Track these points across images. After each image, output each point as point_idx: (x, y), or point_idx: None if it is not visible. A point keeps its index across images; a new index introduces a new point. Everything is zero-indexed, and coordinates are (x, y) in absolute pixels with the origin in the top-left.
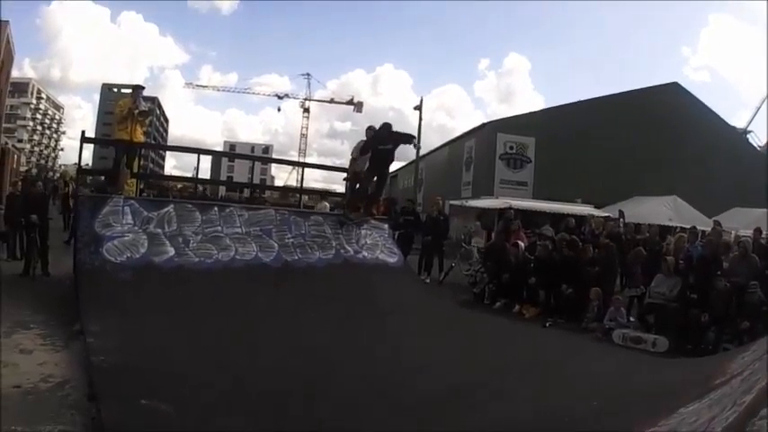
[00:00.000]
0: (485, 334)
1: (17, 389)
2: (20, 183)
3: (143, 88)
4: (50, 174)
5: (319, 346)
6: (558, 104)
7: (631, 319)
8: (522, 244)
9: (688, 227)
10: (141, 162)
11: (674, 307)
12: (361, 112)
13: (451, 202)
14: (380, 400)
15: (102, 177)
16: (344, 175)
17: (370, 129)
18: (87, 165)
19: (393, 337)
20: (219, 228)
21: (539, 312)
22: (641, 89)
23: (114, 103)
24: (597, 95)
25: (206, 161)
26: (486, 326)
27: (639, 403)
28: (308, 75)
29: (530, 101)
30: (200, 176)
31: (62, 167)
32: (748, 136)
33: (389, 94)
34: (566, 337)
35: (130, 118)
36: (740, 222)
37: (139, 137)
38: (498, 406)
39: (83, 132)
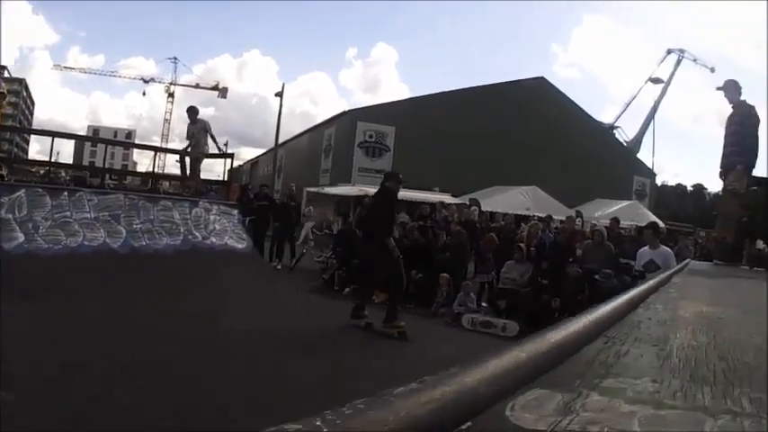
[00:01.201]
0: (329, 316)
1: None
2: None
3: (4, 68)
4: None
5: (143, 329)
6: (421, 95)
7: (483, 304)
8: None
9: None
10: (1, 145)
11: (525, 292)
12: (225, 97)
13: (308, 189)
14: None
15: None
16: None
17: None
18: None
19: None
20: (69, 213)
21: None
22: (506, 82)
23: None
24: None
25: (70, 146)
26: (332, 309)
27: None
28: (176, 59)
29: (395, 91)
30: (62, 161)
31: None
32: (615, 131)
33: (255, 80)
34: (414, 321)
35: None
36: (601, 213)
37: None
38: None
39: None
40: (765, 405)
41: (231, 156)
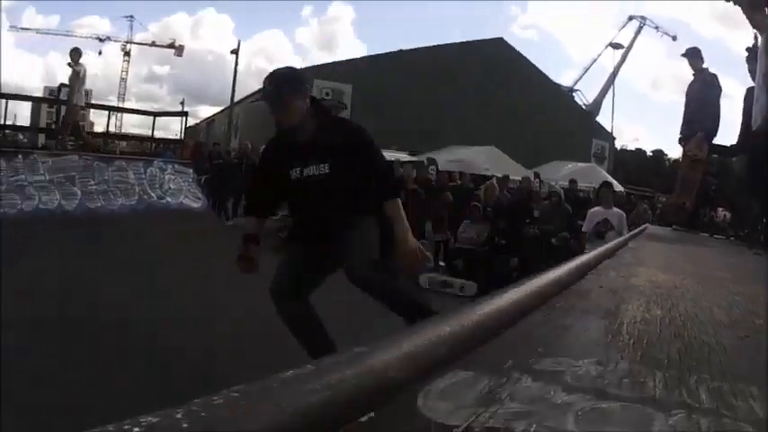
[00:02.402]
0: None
1: None
2: None
3: None
4: None
5: (92, 290)
6: (379, 53)
7: (440, 263)
8: None
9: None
10: None
11: (482, 252)
12: (182, 56)
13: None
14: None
15: None
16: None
17: None
18: None
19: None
20: (23, 176)
21: None
22: (465, 42)
23: None
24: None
25: (26, 108)
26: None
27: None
28: (132, 17)
29: (352, 50)
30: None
31: None
32: (574, 94)
33: (210, 38)
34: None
35: None
36: (558, 176)
37: None
38: None
39: None
40: (725, 397)
41: (186, 114)
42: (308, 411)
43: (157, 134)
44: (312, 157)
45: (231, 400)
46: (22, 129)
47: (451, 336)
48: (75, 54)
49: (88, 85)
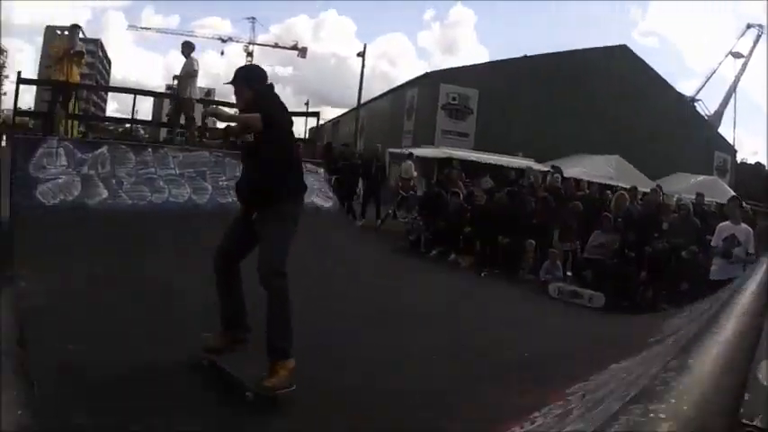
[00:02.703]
0: (418, 279)
1: None
2: None
3: (79, 28)
4: None
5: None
6: (503, 58)
7: (568, 273)
8: (461, 192)
9: (629, 186)
10: (78, 104)
11: (612, 263)
12: (305, 57)
13: (391, 149)
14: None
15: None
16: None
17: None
18: (30, 108)
19: (321, 279)
20: (153, 169)
21: (474, 262)
22: (590, 49)
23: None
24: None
25: (147, 104)
26: (420, 272)
27: (572, 356)
28: (253, 19)
29: (474, 54)
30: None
31: (4, 112)
32: (696, 104)
33: (332, 40)
34: (501, 287)
35: (66, 58)
36: (681, 187)
37: (75, 77)
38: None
39: (19, 73)
40: None
41: (317, 114)
42: None
43: None
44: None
45: None
46: (145, 123)
47: None
48: (187, 48)
49: (211, 83)
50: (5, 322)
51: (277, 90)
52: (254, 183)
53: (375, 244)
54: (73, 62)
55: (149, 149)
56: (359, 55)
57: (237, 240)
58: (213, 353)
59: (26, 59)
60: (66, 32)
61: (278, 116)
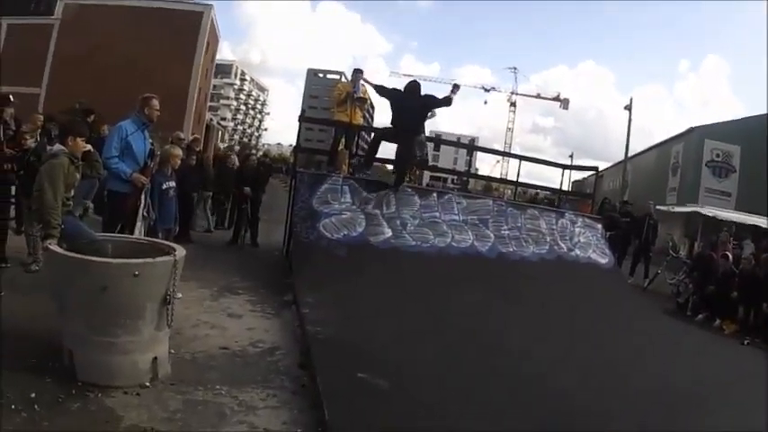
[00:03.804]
0: (688, 345)
1: (224, 350)
2: (234, 156)
3: (362, 72)
4: (254, 151)
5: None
6: (760, 113)
7: None
8: (730, 255)
9: None
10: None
11: None
12: (567, 108)
13: (658, 207)
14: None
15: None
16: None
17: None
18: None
19: (603, 339)
20: (437, 213)
21: (738, 329)
22: None
23: (329, 88)
24: None
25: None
26: (689, 337)
27: None
28: (515, 68)
29: (729, 107)
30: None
31: (265, 146)
32: None
33: (590, 91)
34: (763, 357)
35: (350, 100)
36: None
37: (358, 119)
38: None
39: (303, 111)
40: None
41: (596, 169)
42: None
43: (537, 183)
44: None
45: None
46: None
47: None
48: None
49: (474, 132)
50: (285, 344)
51: (539, 141)
52: None
53: (645, 303)
54: (356, 105)
55: (434, 194)
56: (626, 108)
57: None
58: None
59: (284, 99)
60: (351, 76)
61: None
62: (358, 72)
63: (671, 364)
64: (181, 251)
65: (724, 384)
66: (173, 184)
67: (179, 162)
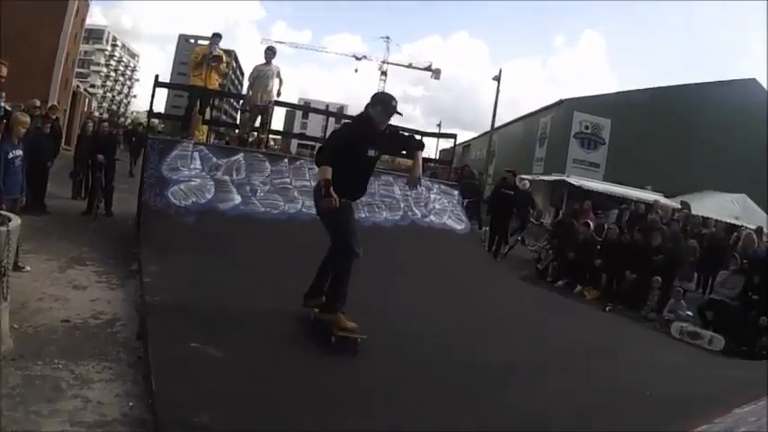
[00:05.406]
0: (546, 310)
1: (65, 323)
2: (89, 123)
3: (220, 37)
4: (121, 119)
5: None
6: (633, 89)
7: (689, 313)
8: (591, 224)
9: (754, 227)
10: (214, 112)
11: (735, 306)
12: (438, 78)
13: (522, 176)
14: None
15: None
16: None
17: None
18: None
19: (457, 301)
20: (288, 179)
21: (599, 295)
22: (719, 82)
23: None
24: (675, 83)
25: (279, 116)
26: (547, 302)
27: (695, 398)
28: (388, 38)
29: (604, 81)
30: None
31: (134, 114)
32: None
33: (463, 62)
34: (624, 323)
35: (205, 64)
36: None
37: (214, 84)
38: (556, 385)
39: (156, 76)
40: None
41: (455, 136)
42: None
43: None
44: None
45: None
46: (279, 133)
47: None
48: (270, 53)
49: (344, 99)
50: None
51: (408, 110)
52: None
53: (502, 269)
54: (212, 68)
55: (285, 159)
56: (494, 79)
57: None
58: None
59: (156, 65)
60: (208, 41)
61: None
62: (216, 36)
63: (527, 325)
64: (15, 221)
65: (581, 342)
66: (20, 152)
67: (23, 130)
